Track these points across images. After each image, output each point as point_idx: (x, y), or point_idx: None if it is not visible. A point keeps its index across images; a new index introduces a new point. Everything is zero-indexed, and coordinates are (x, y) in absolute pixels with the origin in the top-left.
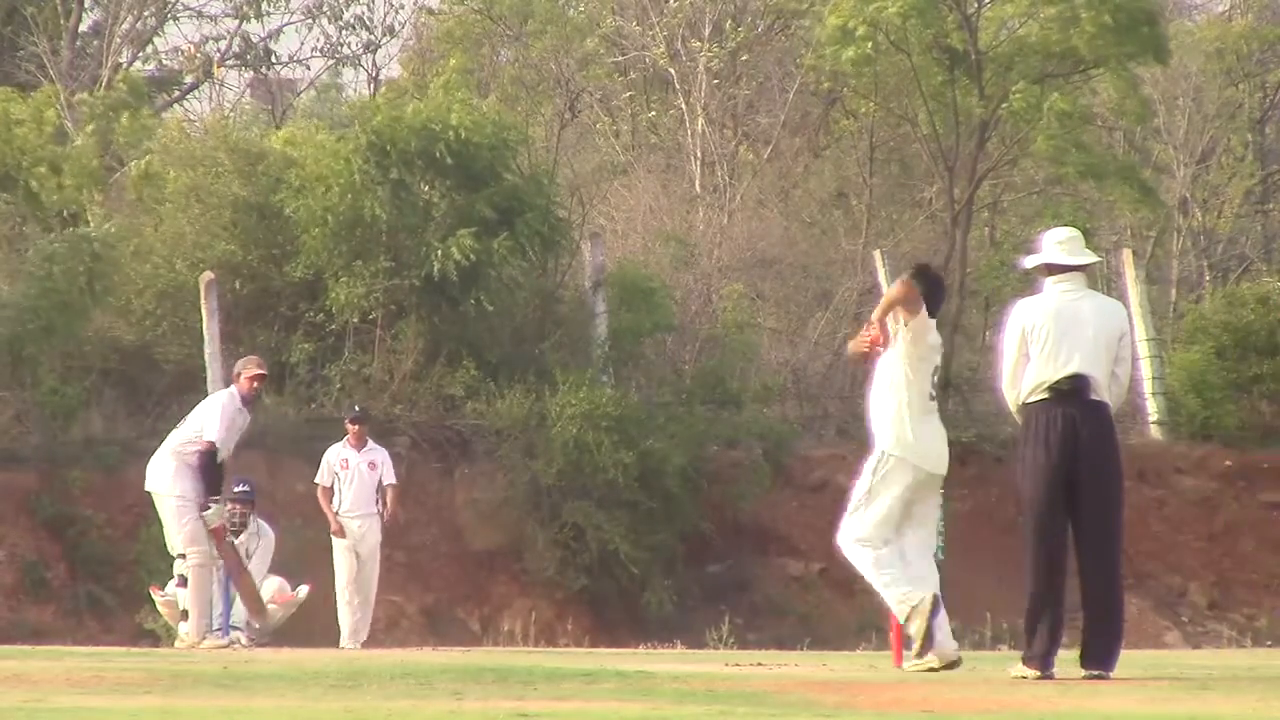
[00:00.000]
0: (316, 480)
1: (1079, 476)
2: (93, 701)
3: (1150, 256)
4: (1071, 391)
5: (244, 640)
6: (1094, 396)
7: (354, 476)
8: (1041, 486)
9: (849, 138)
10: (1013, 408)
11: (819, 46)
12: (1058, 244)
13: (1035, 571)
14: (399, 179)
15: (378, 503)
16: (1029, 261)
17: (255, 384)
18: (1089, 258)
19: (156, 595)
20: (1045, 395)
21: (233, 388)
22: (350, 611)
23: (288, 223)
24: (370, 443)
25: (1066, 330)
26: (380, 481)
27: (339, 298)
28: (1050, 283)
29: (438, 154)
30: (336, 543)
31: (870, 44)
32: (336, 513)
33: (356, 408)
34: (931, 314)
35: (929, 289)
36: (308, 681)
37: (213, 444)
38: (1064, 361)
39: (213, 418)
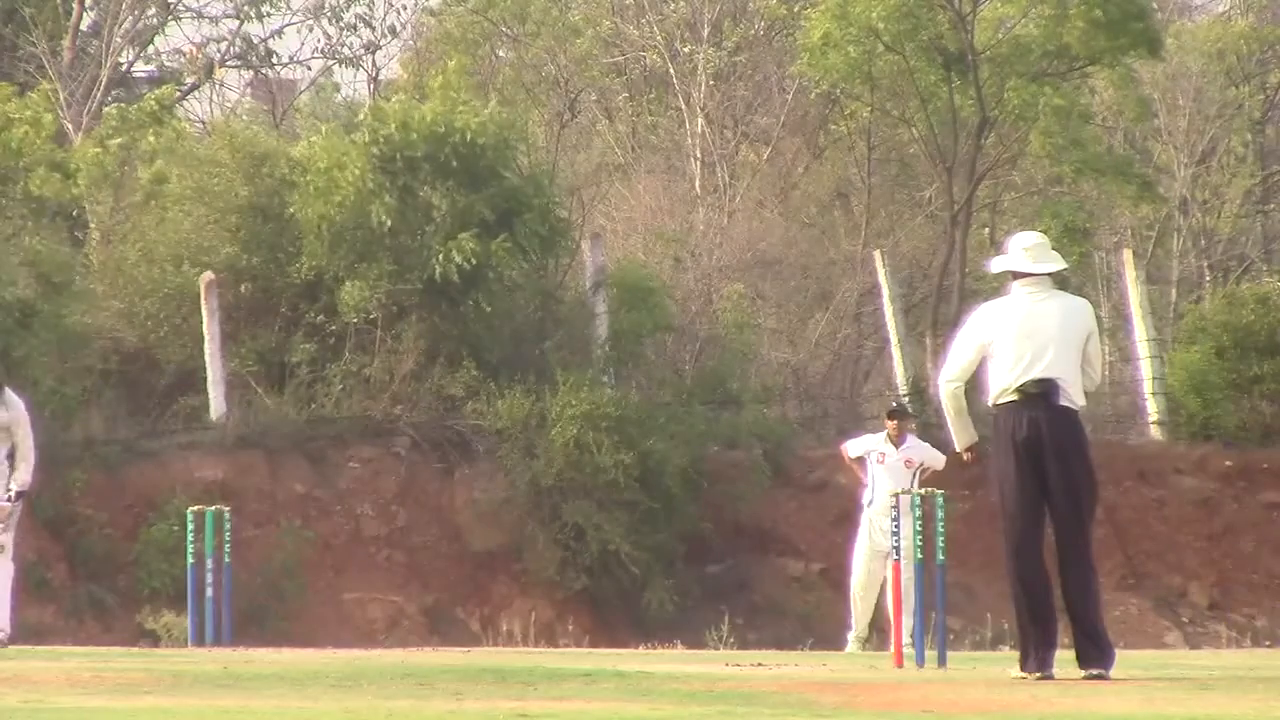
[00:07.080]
0: (845, 447)
1: (1048, 481)
2: (93, 701)
3: (1150, 256)
4: (1040, 395)
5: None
6: (1062, 401)
7: (891, 472)
8: (1013, 492)
9: (847, 138)
10: (947, 400)
11: (808, 54)
12: (1024, 250)
13: (1017, 577)
14: (405, 184)
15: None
16: (995, 266)
17: None
18: (1056, 264)
19: None
20: (1013, 398)
21: None
22: (866, 610)
23: (291, 224)
24: (910, 439)
25: (1033, 333)
26: (915, 476)
27: (347, 300)
28: (1017, 285)
29: (444, 157)
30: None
31: (852, 48)
32: (869, 504)
33: (895, 403)
34: None
35: None
36: (308, 681)
37: None
38: (1031, 365)
39: None
